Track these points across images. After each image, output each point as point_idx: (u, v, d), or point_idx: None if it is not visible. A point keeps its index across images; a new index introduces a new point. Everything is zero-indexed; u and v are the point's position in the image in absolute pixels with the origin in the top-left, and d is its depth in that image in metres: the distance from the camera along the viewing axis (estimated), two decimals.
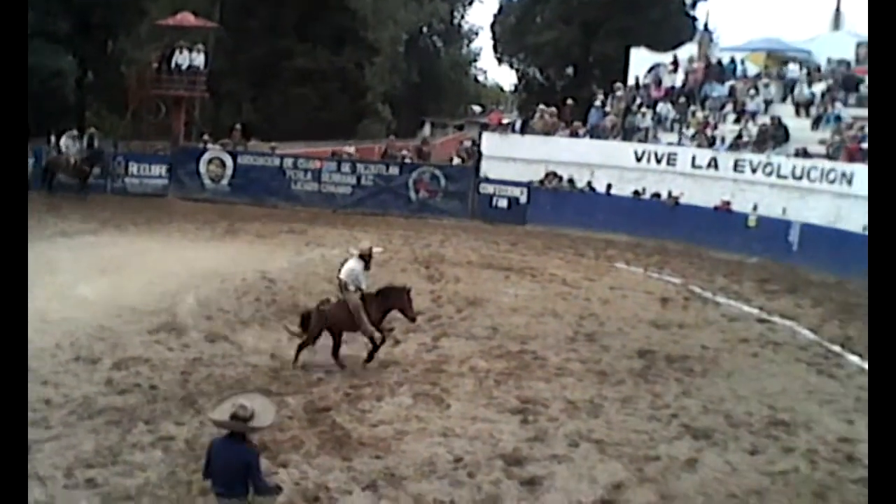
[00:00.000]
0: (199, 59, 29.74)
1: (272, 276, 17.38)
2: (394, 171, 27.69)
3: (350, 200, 27.35)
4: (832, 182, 22.12)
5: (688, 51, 30.59)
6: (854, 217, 21.20)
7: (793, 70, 27.30)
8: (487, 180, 27.21)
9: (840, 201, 21.79)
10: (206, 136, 28.95)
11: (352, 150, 30.15)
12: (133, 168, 27.67)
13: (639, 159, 26.12)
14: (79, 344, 12.33)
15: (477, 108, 56.92)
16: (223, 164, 27.59)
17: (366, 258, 12.35)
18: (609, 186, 26.08)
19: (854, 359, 13.86)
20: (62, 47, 36.16)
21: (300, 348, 12.18)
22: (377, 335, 12.16)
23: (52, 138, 27.72)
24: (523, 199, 26.51)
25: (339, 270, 12.46)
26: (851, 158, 22.03)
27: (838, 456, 9.93)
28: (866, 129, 22.72)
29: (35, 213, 22.52)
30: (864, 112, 23.80)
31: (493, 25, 53.86)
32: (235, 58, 42.13)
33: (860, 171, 21.41)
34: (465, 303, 16.16)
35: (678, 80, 28.98)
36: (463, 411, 10.74)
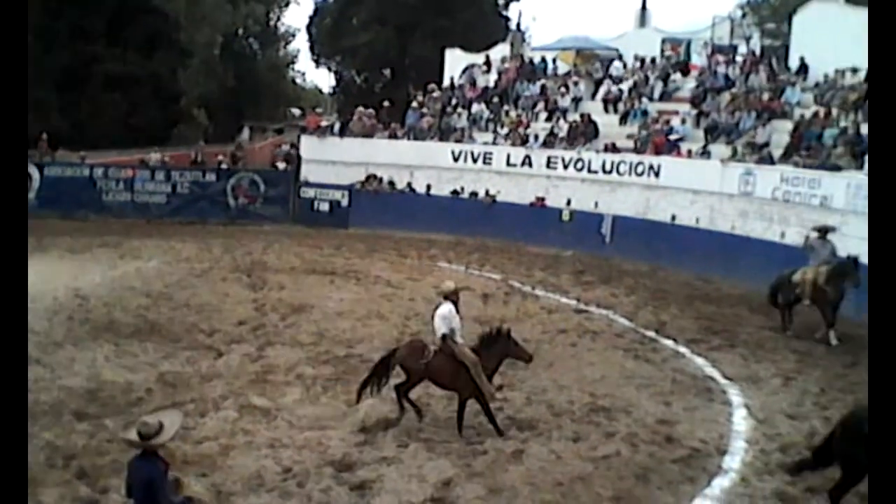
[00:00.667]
0: None
1: (85, 293, 16.59)
2: (211, 177, 27.08)
3: (166, 210, 26.58)
4: (640, 175, 23.17)
5: (501, 51, 31.38)
6: (662, 207, 22.39)
7: (600, 68, 28.42)
8: (308, 184, 27.02)
9: (648, 193, 22.89)
10: None
11: (158, 157, 29.14)
12: None
13: (456, 159, 26.55)
14: None
15: (296, 111, 56.26)
16: (29, 177, 26.23)
17: (454, 300, 11.09)
18: (429, 187, 26.43)
19: (668, 343, 14.63)
20: None
21: (363, 387, 10.94)
22: (494, 393, 11.00)
23: None
24: (345, 203, 26.51)
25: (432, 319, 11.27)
26: (658, 151, 23.16)
27: (657, 437, 10.38)
28: (672, 123, 24.02)
29: None
30: (668, 106, 25.15)
31: (308, 27, 53.43)
32: (41, 63, 40.06)
33: (666, 163, 22.60)
34: (289, 310, 15.97)
35: (492, 80, 29.64)
36: (290, 420, 10.62)
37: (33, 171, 26.31)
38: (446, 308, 10.77)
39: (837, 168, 19.06)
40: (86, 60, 41.67)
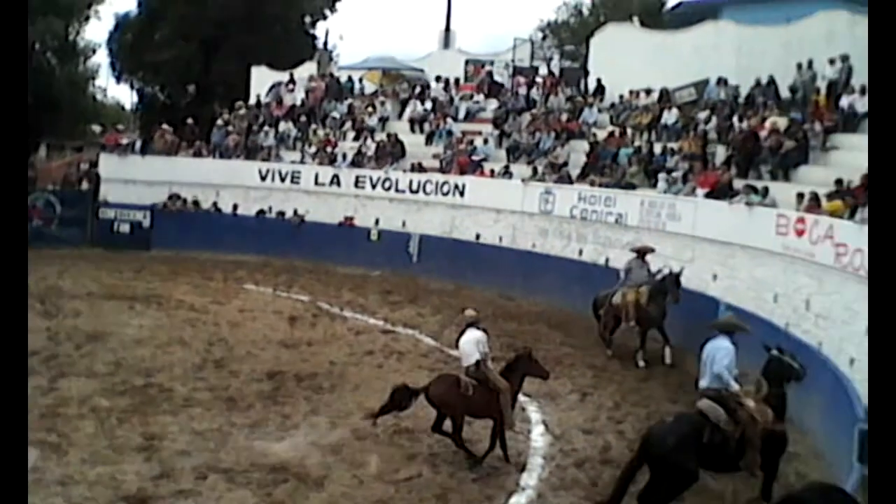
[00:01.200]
0: None
1: None
2: None
3: None
4: (446, 194, 23.57)
5: (308, 69, 31.30)
6: (467, 226, 22.87)
7: (406, 88, 28.79)
8: (107, 204, 25.89)
9: (454, 212, 23.31)
10: None
11: None
12: None
13: (263, 178, 26.16)
14: None
15: (97, 128, 54.00)
16: None
17: (480, 326, 11.03)
18: (235, 206, 25.91)
19: None
20: None
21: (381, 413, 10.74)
22: (514, 424, 10.91)
23: None
24: (146, 223, 25.54)
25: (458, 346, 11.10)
26: (462, 171, 23.64)
27: (457, 458, 10.55)
28: (475, 143, 24.61)
29: None
30: (472, 127, 25.76)
31: (109, 42, 51.63)
32: None
33: (471, 182, 23.11)
34: (85, 338, 15.27)
35: (299, 98, 29.47)
36: (83, 456, 10.17)
37: None
38: (477, 333, 10.82)
39: (632, 186, 20.04)
40: None
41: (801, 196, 15.59)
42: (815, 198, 15.22)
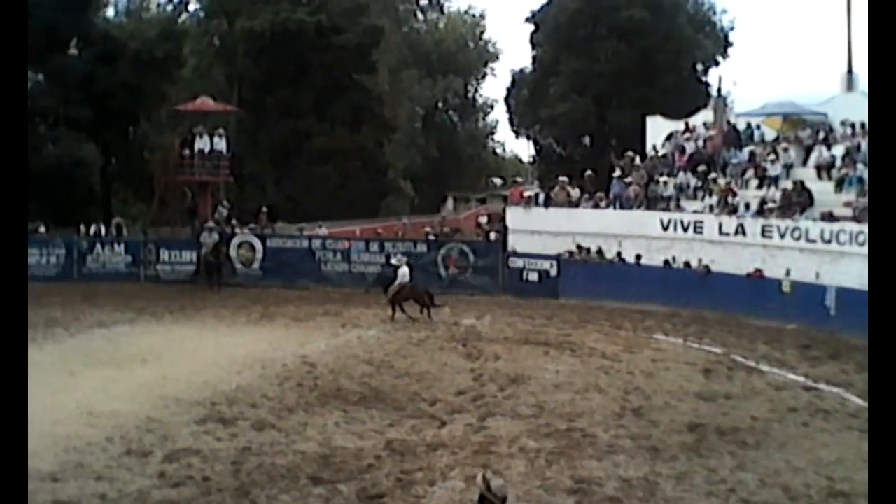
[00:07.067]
0: (221, 144, 30.28)
1: (312, 360, 17.35)
2: (422, 248, 27.92)
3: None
4: (862, 244, 21.97)
5: (703, 117, 30.85)
6: None
7: (810, 134, 27.41)
8: (516, 254, 27.29)
9: None
10: (208, 223, 28.86)
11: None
12: (164, 255, 27.96)
13: (665, 228, 26.12)
14: (129, 437, 12.30)
15: (497, 181, 57.31)
16: (253, 248, 27.83)
17: None
18: (638, 257, 26.09)
19: None
20: (84, 135, 36.66)
21: None
22: None
23: (83, 228, 28.29)
24: (553, 272, 26.49)
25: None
26: None
27: None
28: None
29: (70, 304, 22.92)
30: None
31: (507, 98, 54.57)
32: (255, 139, 42.77)
33: None
34: (507, 380, 16.04)
35: (696, 147, 29.10)
36: (517, 494, 10.56)
37: (256, 242, 27.90)
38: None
39: None
40: (297, 136, 44.13)
41: None
42: None
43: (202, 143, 30.07)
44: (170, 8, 48.66)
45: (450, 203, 52.76)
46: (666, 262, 25.54)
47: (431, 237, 28.99)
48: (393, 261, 25.15)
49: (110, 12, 45.83)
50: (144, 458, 11.50)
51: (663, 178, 28.16)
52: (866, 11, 19.94)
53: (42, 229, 29.14)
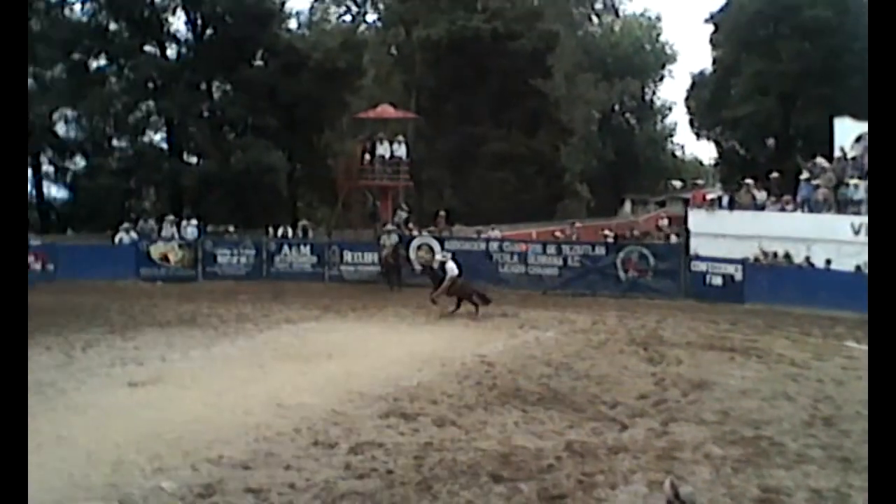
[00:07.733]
0: (400, 150, 31.11)
1: (490, 360, 17.42)
2: (600, 251, 27.63)
3: (558, 282, 27.44)
4: None
5: None
6: None
7: None
8: (699, 258, 26.62)
9: None
10: (388, 226, 29.52)
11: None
12: (347, 256, 28.81)
13: (856, 232, 24.82)
14: (315, 428, 12.67)
15: (677, 184, 56.23)
16: (431, 250, 28.25)
17: None
18: (828, 261, 24.94)
19: None
20: (271, 143, 38.38)
21: None
22: None
23: (271, 231, 29.61)
24: (739, 277, 25.63)
25: None
26: None
27: None
28: None
29: (260, 301, 24.05)
30: None
31: (687, 100, 53.50)
32: (433, 145, 43.54)
33: None
34: (690, 386, 15.61)
35: None
36: (702, 501, 10.26)
37: (434, 245, 28.34)
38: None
39: None
40: (474, 142, 44.65)
41: None
42: None
43: (382, 150, 31.00)
44: (348, 18, 50.19)
45: (627, 206, 52.13)
46: (857, 267, 24.28)
47: (610, 240, 28.65)
48: (438, 257, 25.13)
49: (293, 24, 47.70)
50: (330, 450, 11.81)
51: (853, 181, 26.84)
52: None
53: (232, 231, 30.70)
